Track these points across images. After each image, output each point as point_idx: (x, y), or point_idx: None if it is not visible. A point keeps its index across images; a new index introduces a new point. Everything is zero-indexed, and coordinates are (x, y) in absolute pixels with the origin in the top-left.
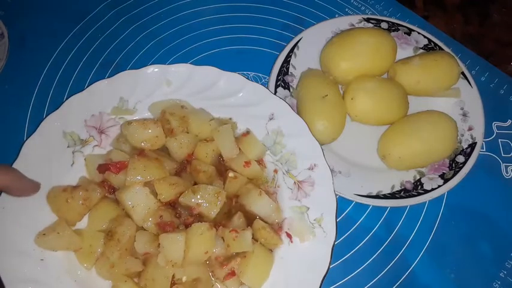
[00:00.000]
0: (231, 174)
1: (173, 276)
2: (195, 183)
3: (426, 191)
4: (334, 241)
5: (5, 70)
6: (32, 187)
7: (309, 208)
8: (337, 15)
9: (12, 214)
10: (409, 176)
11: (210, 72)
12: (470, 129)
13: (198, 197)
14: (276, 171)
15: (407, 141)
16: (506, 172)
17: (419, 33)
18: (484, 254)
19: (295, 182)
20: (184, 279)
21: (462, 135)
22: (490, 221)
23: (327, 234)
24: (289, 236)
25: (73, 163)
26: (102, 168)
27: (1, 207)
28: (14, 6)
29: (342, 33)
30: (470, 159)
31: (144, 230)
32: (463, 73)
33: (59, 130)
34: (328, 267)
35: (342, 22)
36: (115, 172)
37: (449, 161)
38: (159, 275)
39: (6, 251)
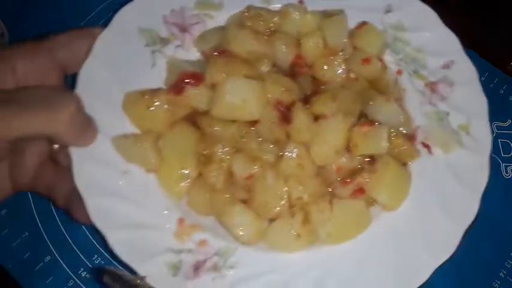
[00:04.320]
0: (352, 74)
1: (289, 197)
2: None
3: None
4: (491, 151)
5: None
6: (91, 135)
7: (448, 113)
8: None
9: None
10: None
11: None
12: None
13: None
14: (399, 72)
15: None
16: (506, 172)
17: None
18: (483, 253)
19: (426, 84)
20: (305, 197)
21: None
22: (489, 221)
23: (479, 142)
24: (426, 146)
25: (154, 64)
26: (177, 86)
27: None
28: (14, 6)
29: None
30: None
31: (239, 152)
32: None
33: (134, 26)
34: (487, 183)
35: None
36: (195, 83)
37: None
38: (273, 197)
39: (83, 161)
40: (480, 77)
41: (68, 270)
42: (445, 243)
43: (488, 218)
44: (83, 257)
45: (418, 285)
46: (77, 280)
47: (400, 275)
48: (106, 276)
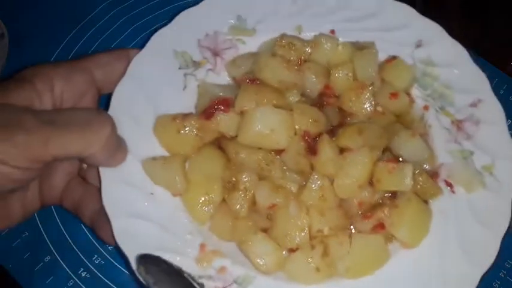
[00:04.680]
0: (379, 108)
1: (310, 229)
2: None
3: None
4: None
5: (5, 70)
6: (121, 156)
7: (473, 152)
8: None
9: None
10: None
11: None
12: None
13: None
14: (426, 107)
15: None
16: None
17: None
18: None
19: (452, 121)
20: (326, 230)
21: None
22: None
23: (503, 184)
24: (449, 185)
25: (185, 87)
26: (208, 111)
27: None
28: (14, 6)
29: None
30: None
31: (263, 179)
32: None
33: (169, 49)
34: (509, 225)
35: None
36: (225, 109)
37: None
38: (294, 228)
39: (112, 181)
40: None
41: (68, 270)
42: (462, 285)
43: None
44: (83, 257)
45: None
46: (77, 280)
47: None
48: (142, 267)
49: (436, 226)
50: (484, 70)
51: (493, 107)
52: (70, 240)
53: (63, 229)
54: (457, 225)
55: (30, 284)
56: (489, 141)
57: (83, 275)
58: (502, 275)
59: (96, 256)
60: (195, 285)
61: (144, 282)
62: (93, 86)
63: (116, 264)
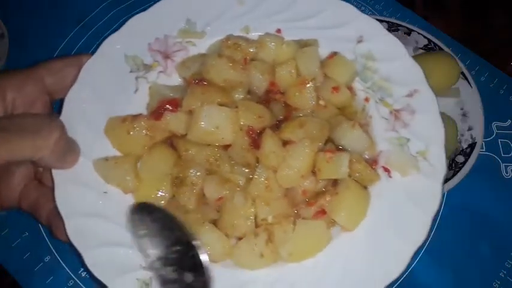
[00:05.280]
0: (321, 101)
1: (255, 218)
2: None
3: None
4: (444, 176)
5: (4, 70)
6: (72, 159)
7: (409, 139)
8: None
9: None
10: None
11: None
12: (470, 129)
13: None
14: (367, 99)
15: None
16: (506, 172)
17: (419, 33)
18: (483, 253)
19: (391, 111)
20: (270, 219)
21: (462, 135)
22: (489, 221)
23: (435, 168)
24: (386, 170)
25: (137, 90)
26: (157, 112)
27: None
28: (14, 6)
29: None
30: (470, 159)
31: (212, 174)
32: (462, 73)
33: (120, 53)
34: (440, 206)
35: None
36: (174, 109)
37: (449, 161)
38: (240, 218)
39: (64, 182)
40: (480, 77)
41: (67, 270)
42: (395, 263)
43: (489, 218)
44: None
45: None
46: (76, 280)
47: None
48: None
49: (373, 209)
50: (483, 70)
51: (427, 97)
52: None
53: None
54: (393, 207)
55: (30, 283)
56: (423, 128)
57: (83, 275)
58: (502, 275)
59: None
60: (186, 233)
61: (133, 235)
62: (45, 93)
63: None
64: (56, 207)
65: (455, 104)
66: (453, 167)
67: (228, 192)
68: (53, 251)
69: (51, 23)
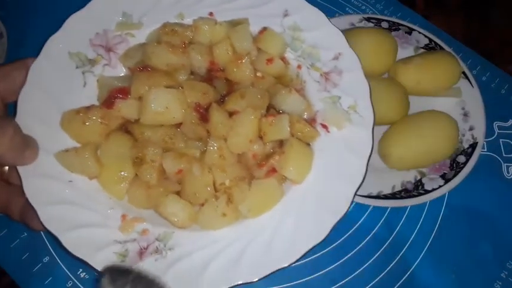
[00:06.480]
0: (258, 73)
1: (214, 184)
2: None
3: (427, 192)
4: (373, 124)
5: None
6: (31, 153)
7: (340, 97)
8: (337, 15)
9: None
10: (410, 176)
11: None
12: (471, 129)
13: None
14: (299, 66)
15: (408, 142)
16: (508, 172)
17: (420, 32)
18: (485, 254)
19: (321, 74)
20: (227, 182)
21: (463, 135)
22: (491, 222)
23: (364, 118)
24: (324, 126)
25: (85, 84)
26: (108, 101)
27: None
28: (13, 6)
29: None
30: (471, 159)
31: (169, 151)
32: (464, 73)
33: (64, 51)
34: (371, 149)
35: (342, 21)
36: (124, 97)
37: (450, 161)
38: (200, 186)
39: (31, 176)
40: (481, 76)
41: (66, 271)
42: (341, 203)
43: (490, 219)
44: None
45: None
46: (75, 281)
47: (303, 234)
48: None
49: (317, 162)
50: (484, 70)
51: (350, 57)
52: None
53: None
54: (333, 158)
55: (29, 284)
56: (351, 85)
57: (82, 276)
58: (504, 276)
59: None
60: None
61: None
62: None
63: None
64: (27, 200)
65: (456, 103)
66: (454, 167)
67: (185, 165)
68: (52, 252)
69: (50, 23)
